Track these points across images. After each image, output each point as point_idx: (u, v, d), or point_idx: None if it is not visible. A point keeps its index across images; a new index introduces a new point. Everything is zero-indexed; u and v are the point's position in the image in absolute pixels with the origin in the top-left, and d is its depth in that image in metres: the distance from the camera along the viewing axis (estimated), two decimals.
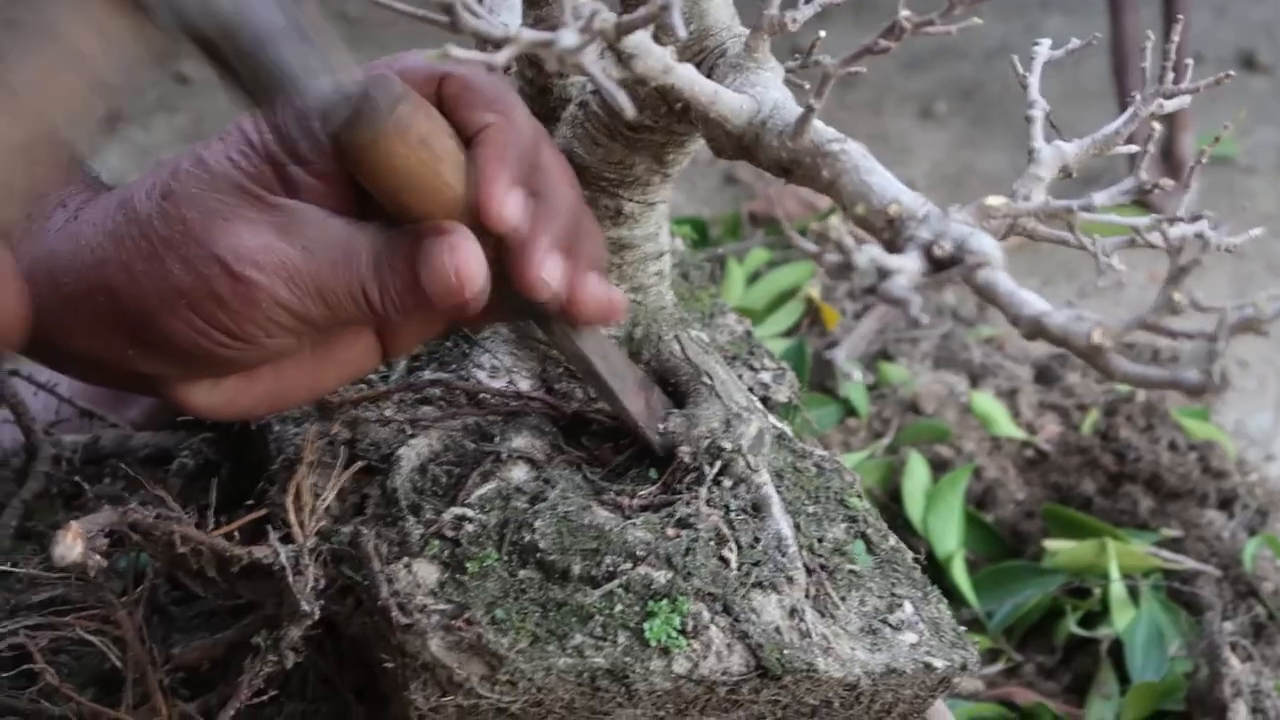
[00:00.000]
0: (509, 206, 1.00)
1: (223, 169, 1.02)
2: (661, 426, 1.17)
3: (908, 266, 0.80)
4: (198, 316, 1.00)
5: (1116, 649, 1.80)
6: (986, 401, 2.14)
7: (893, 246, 0.88)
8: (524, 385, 1.21)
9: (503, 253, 1.02)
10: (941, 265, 0.85)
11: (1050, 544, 1.90)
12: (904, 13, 0.87)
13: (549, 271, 1.03)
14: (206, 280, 1.00)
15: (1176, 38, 1.01)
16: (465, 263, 1.00)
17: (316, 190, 1.02)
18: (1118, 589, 1.83)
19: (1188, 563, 1.88)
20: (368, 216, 1.02)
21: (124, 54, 0.91)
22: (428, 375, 1.24)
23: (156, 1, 0.89)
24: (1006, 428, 2.10)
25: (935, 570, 1.82)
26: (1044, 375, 2.30)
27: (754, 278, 2.39)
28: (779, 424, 1.28)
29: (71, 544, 0.95)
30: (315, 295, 1.01)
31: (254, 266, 0.99)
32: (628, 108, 0.75)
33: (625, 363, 1.19)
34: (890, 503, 1.96)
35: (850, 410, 2.08)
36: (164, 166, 1.04)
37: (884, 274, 0.79)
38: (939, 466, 2.02)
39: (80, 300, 1.04)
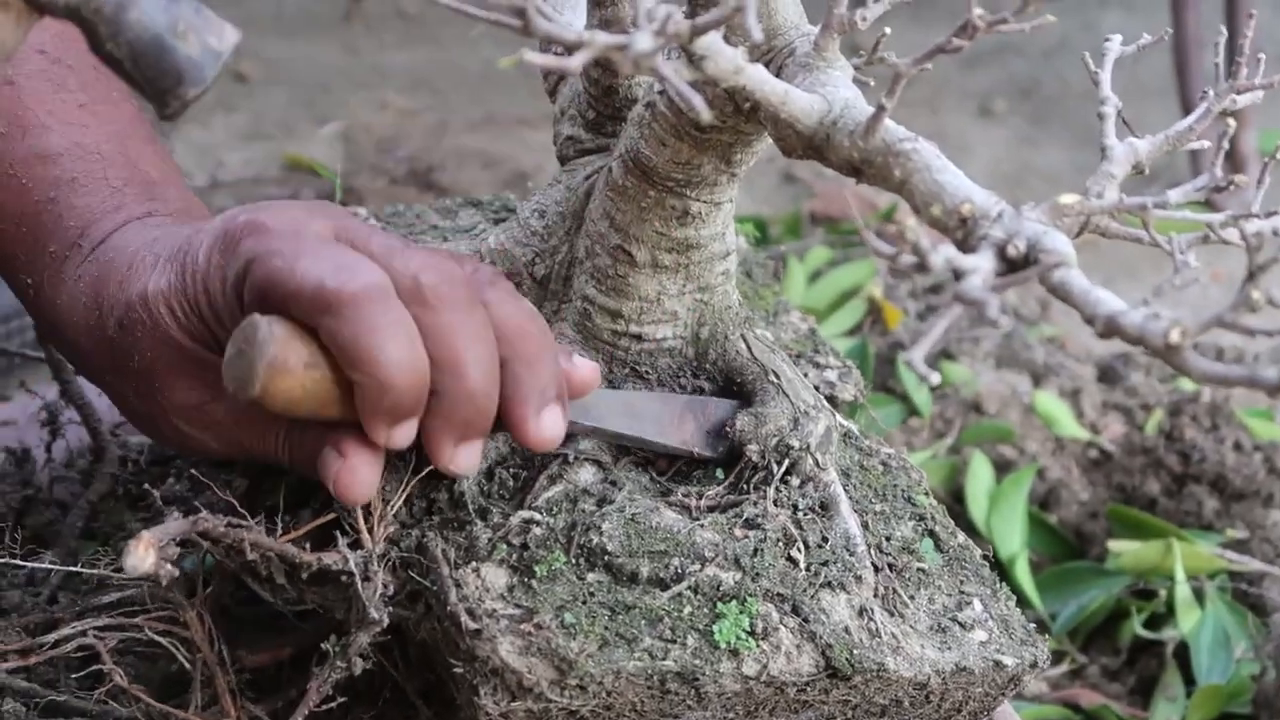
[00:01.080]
0: (396, 442, 1.04)
1: (163, 320, 1.09)
2: (728, 428, 1.17)
3: (982, 266, 0.80)
4: (156, 433, 1.17)
5: (1182, 651, 1.78)
6: (1050, 401, 2.12)
7: (965, 246, 0.88)
8: None
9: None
10: (1015, 265, 0.85)
11: (1114, 545, 1.88)
12: (977, 11, 0.87)
13: (461, 464, 1.07)
14: (152, 416, 1.13)
15: (1250, 33, 1.00)
16: (351, 485, 1.05)
17: None
18: (1183, 590, 1.82)
19: (1254, 564, 1.86)
20: None
21: None
22: None
23: None
24: (1070, 428, 2.09)
25: (999, 571, 1.80)
26: (1107, 375, 2.29)
27: (815, 277, 2.38)
28: (845, 422, 1.27)
29: (144, 555, 0.95)
30: (240, 449, 1.12)
31: (187, 421, 1.11)
32: (704, 112, 0.75)
33: (659, 399, 1.19)
34: (953, 503, 1.95)
35: (913, 410, 2.08)
36: (124, 288, 1.12)
37: (959, 274, 0.78)
38: (1002, 467, 2.01)
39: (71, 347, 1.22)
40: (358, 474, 1.04)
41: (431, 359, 1.03)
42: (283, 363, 1.00)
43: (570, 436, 1.13)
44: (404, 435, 1.04)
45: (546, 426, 1.08)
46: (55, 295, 1.18)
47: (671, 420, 1.18)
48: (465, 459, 1.06)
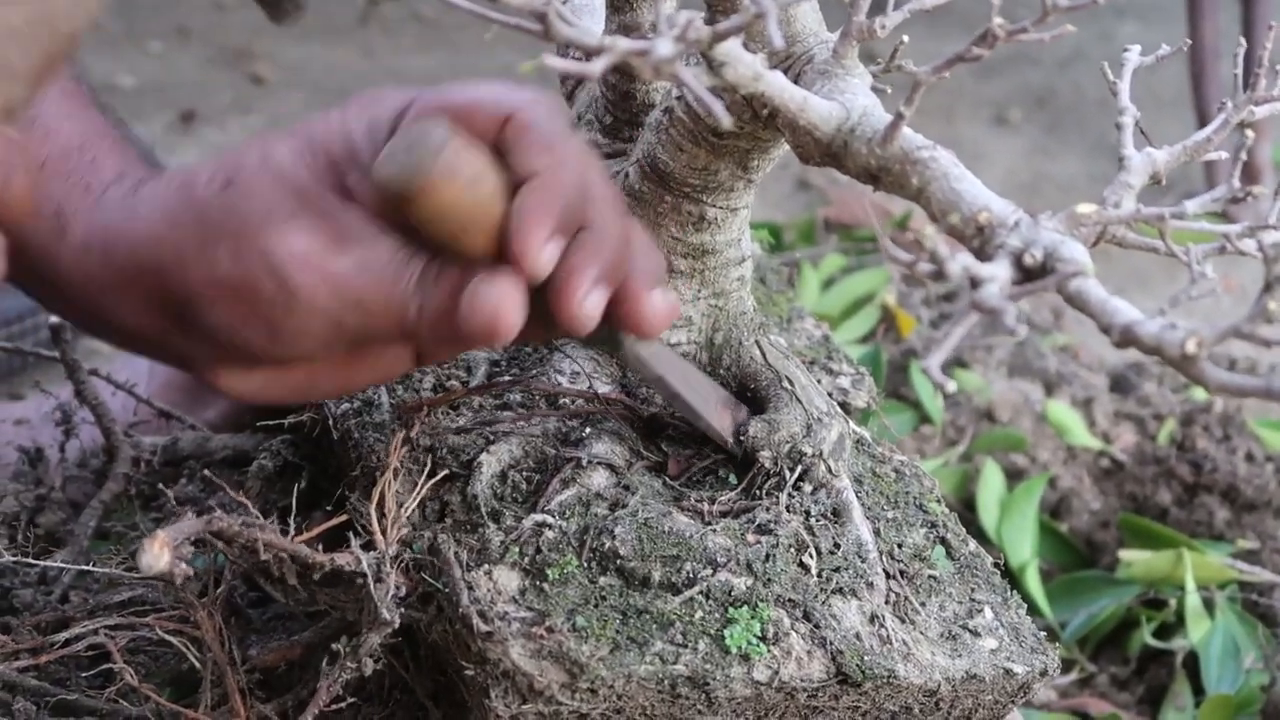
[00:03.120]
0: (542, 259, 0.99)
1: (287, 169, 1.02)
2: (741, 433, 1.17)
3: (999, 275, 0.80)
4: (239, 308, 1.01)
5: (1191, 661, 1.78)
6: (1062, 410, 2.12)
7: (982, 254, 0.88)
8: (603, 390, 1.21)
9: (547, 288, 1.02)
10: (1032, 274, 0.85)
11: (1125, 554, 1.88)
12: (997, 20, 0.87)
13: (589, 308, 1.02)
14: (253, 275, 1.01)
15: (1269, 45, 1.00)
16: (507, 309, 0.99)
17: (376, 205, 1.02)
18: (1193, 600, 1.81)
19: (1264, 574, 1.86)
20: (416, 239, 1.02)
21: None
22: (507, 380, 1.24)
23: None
24: (1082, 437, 2.09)
25: (1009, 579, 1.80)
26: (1120, 384, 2.29)
27: (828, 283, 2.38)
28: (858, 429, 1.27)
29: (159, 554, 0.95)
30: (355, 307, 1.01)
31: (302, 270, 1.00)
32: (725, 119, 0.75)
33: (709, 384, 1.19)
34: (965, 511, 1.95)
35: (925, 417, 2.07)
36: (227, 155, 1.05)
37: (976, 283, 0.78)
38: (1014, 475, 2.01)
39: (129, 274, 1.05)
40: (516, 302, 0.99)
41: (589, 192, 1.02)
42: (452, 165, 0.97)
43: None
44: (551, 254, 1.00)
45: (660, 303, 1.07)
46: (102, 211, 1.09)
47: (717, 405, 1.18)
48: (595, 304, 1.02)
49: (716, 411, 1.17)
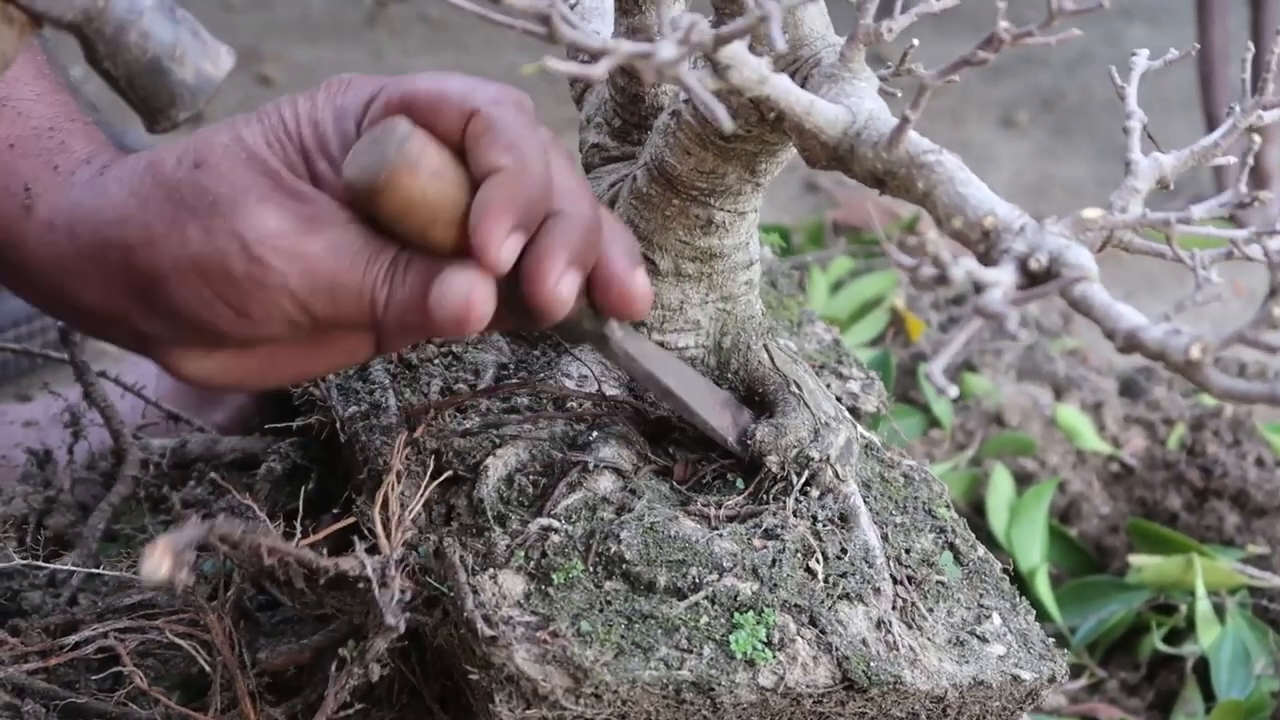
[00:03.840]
0: (503, 254, 1.00)
1: (258, 152, 1.03)
2: (747, 437, 1.17)
3: (1003, 280, 0.80)
4: (206, 287, 1.02)
5: (1202, 666, 1.78)
6: (1071, 414, 2.12)
7: (987, 259, 0.88)
8: (611, 393, 1.21)
9: (518, 276, 1.03)
10: (1037, 279, 0.85)
11: (1135, 559, 1.88)
12: (1003, 24, 0.87)
13: (560, 292, 1.02)
14: (223, 254, 1.02)
15: (1277, 49, 1.00)
16: (476, 300, 1.00)
17: (342, 196, 1.03)
18: (1203, 606, 1.81)
19: (1274, 580, 1.85)
20: (387, 232, 1.03)
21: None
22: (514, 383, 1.23)
23: None
24: (1091, 441, 2.09)
25: (1018, 584, 1.80)
26: (1129, 388, 2.28)
27: (837, 286, 2.38)
28: (867, 434, 1.27)
29: (160, 561, 0.95)
30: (325, 291, 1.02)
31: (273, 251, 1.01)
32: (726, 122, 0.75)
33: (706, 384, 1.19)
34: (973, 515, 1.95)
35: (934, 421, 2.07)
36: (196, 137, 1.05)
37: (980, 287, 0.78)
38: (1023, 479, 2.01)
39: (95, 253, 1.05)
40: (486, 294, 1.00)
41: (555, 181, 1.03)
42: (416, 158, 0.99)
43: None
44: (512, 248, 1.00)
45: (642, 282, 1.07)
46: (69, 190, 1.09)
47: (715, 404, 1.18)
48: (569, 286, 1.03)
49: (715, 410, 1.17)
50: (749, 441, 1.16)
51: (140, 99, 0.95)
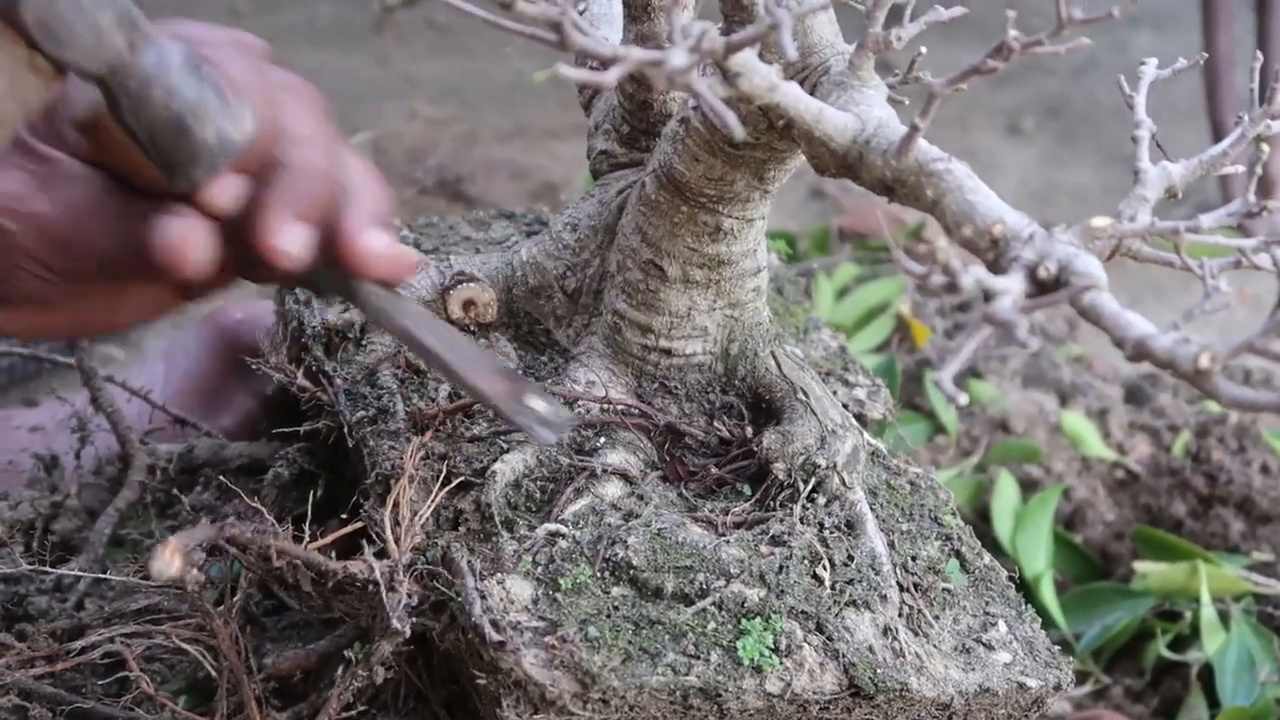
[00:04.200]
0: (218, 197, 0.98)
1: None
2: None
3: (1013, 288, 0.80)
4: None
5: (1206, 673, 1.78)
6: (1077, 421, 2.12)
7: (996, 267, 0.88)
8: (619, 399, 1.21)
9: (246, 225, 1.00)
10: (1045, 287, 0.85)
11: (1140, 566, 1.88)
12: (1012, 33, 0.87)
13: (288, 241, 1.00)
14: None
15: None
16: (191, 243, 0.98)
17: (84, 147, 1.02)
18: (1208, 612, 1.81)
19: (1279, 587, 1.85)
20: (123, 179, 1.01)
21: (19, 82, 0.92)
22: None
23: (46, 37, 0.90)
24: (1097, 448, 2.09)
25: (1023, 591, 1.80)
26: (1135, 395, 2.28)
27: (842, 293, 2.38)
28: (873, 441, 1.27)
29: (170, 560, 0.95)
30: (60, 247, 1.02)
31: (7, 214, 1.01)
32: (737, 129, 0.75)
33: (478, 350, 1.15)
34: (979, 522, 1.95)
35: (939, 428, 2.07)
36: None
37: (989, 295, 0.78)
38: (1028, 486, 2.01)
39: None
40: (196, 234, 0.98)
41: (283, 129, 1.01)
42: None
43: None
44: (231, 192, 0.98)
45: (380, 243, 1.04)
46: None
47: (485, 369, 1.10)
48: (295, 241, 1.00)
49: (485, 375, 1.09)
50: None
51: (161, 155, 0.95)
